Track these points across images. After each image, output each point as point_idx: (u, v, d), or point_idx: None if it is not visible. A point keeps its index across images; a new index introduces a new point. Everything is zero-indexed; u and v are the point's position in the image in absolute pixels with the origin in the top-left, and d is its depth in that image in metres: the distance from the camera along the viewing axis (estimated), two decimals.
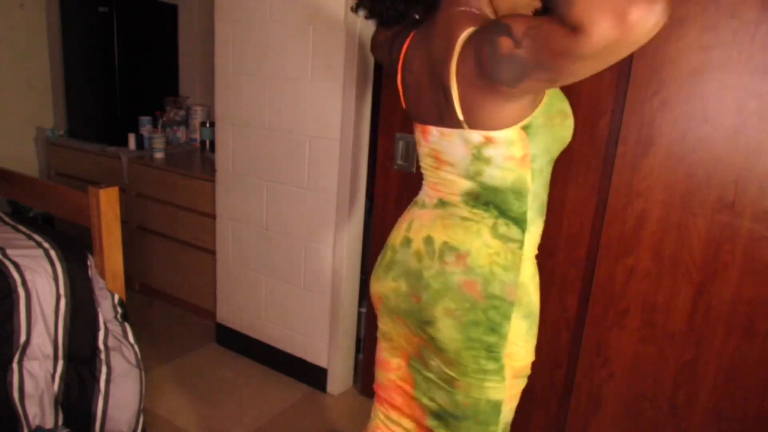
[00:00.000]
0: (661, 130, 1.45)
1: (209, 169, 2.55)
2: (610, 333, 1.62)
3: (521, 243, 1.01)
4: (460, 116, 0.94)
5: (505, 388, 1.04)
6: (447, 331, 1.01)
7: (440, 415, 1.09)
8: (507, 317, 1.00)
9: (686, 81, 1.41)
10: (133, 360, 1.59)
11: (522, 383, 1.09)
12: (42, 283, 1.41)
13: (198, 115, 3.11)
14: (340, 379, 2.22)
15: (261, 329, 2.37)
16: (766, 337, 1.42)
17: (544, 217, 1.05)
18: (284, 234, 2.20)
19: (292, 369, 2.30)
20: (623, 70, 1.48)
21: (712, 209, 1.42)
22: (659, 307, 1.53)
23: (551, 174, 1.04)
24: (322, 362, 2.22)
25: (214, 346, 2.52)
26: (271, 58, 2.08)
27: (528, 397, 1.81)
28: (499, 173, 0.97)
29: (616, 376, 1.63)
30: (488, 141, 0.94)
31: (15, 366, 1.39)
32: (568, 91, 1.64)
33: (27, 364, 1.41)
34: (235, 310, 2.44)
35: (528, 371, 1.08)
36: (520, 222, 1.01)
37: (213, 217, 2.44)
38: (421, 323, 1.05)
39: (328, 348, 2.19)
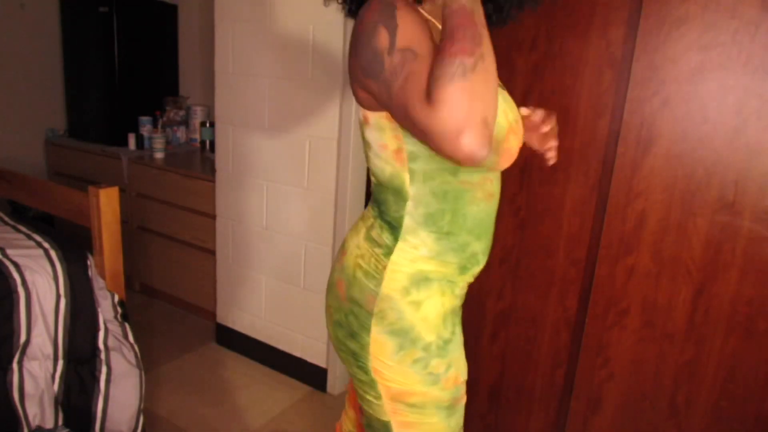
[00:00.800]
0: (661, 130, 1.45)
1: (209, 169, 2.55)
2: (610, 333, 1.61)
3: (389, 250, 0.90)
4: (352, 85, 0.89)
5: (387, 410, 0.93)
6: (328, 326, 1.01)
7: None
8: (365, 327, 0.91)
9: (686, 81, 1.40)
10: (133, 360, 1.58)
11: (419, 414, 0.92)
12: (42, 283, 1.41)
13: (198, 115, 3.11)
14: (340, 379, 2.22)
15: (261, 329, 2.37)
16: (766, 337, 1.42)
17: (448, 237, 0.91)
18: (284, 234, 2.20)
19: (292, 369, 2.30)
20: (623, 70, 1.48)
21: (712, 209, 1.42)
22: (659, 307, 1.53)
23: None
24: (322, 362, 2.22)
25: (214, 346, 2.52)
26: (271, 58, 2.08)
27: (528, 397, 1.81)
28: (378, 162, 0.90)
29: (616, 376, 1.63)
30: (365, 120, 0.88)
31: (15, 366, 1.39)
32: (567, 90, 1.63)
33: (27, 364, 1.41)
34: (235, 310, 2.44)
35: (421, 399, 0.92)
36: (395, 228, 0.91)
37: (213, 217, 2.44)
38: None
39: (328, 348, 2.19)
